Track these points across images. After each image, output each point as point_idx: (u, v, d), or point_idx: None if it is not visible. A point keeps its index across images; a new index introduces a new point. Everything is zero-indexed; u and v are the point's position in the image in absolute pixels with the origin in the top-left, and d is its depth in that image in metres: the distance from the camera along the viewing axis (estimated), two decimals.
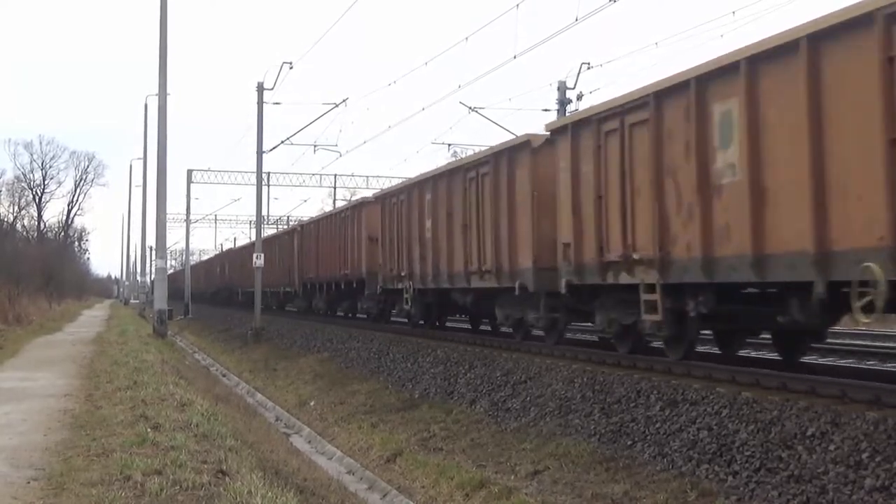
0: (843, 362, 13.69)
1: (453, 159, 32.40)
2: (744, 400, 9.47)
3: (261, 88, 33.84)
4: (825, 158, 8.70)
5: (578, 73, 29.37)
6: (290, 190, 75.61)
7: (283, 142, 36.89)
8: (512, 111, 73.54)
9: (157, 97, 27.93)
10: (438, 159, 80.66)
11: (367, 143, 65.86)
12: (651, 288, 11.54)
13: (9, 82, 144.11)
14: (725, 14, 63.08)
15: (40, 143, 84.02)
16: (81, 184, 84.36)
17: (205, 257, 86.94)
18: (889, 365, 12.59)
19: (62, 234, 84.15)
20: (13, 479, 7.34)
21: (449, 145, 40.81)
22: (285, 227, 54.03)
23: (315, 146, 38.00)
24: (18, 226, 69.47)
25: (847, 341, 17.83)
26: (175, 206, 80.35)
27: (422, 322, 21.90)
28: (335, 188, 60.72)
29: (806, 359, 12.72)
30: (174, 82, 66.35)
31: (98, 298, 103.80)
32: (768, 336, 12.79)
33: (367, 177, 58.09)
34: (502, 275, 15.97)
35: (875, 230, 8.13)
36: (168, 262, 31.66)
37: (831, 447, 7.97)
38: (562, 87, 29.81)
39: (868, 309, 8.30)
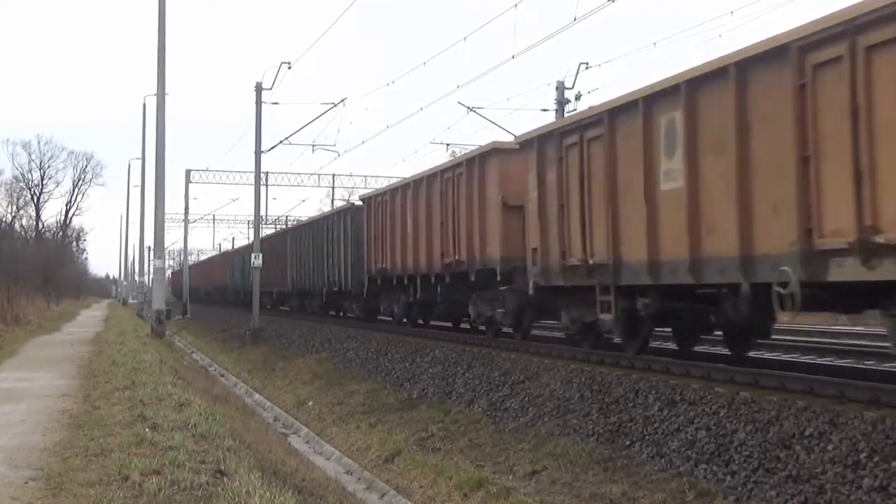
0: (841, 362, 13.68)
1: (452, 159, 32.45)
2: (742, 400, 9.47)
3: (259, 88, 33.78)
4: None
5: (577, 73, 29.40)
6: (288, 190, 75.35)
7: (281, 142, 36.85)
8: (510, 111, 73.50)
9: (155, 97, 27.94)
10: (437, 159, 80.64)
11: (366, 142, 66.15)
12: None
13: (7, 82, 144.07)
14: (724, 14, 63.22)
15: (38, 142, 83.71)
16: (80, 184, 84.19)
17: (203, 257, 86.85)
18: (887, 365, 12.59)
19: (60, 234, 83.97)
20: (11, 479, 7.33)
21: (447, 145, 40.74)
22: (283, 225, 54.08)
23: (313, 146, 37.87)
24: (17, 226, 69.33)
25: (845, 341, 17.85)
26: (173, 205, 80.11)
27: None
28: (333, 188, 60.74)
29: (804, 358, 12.75)
30: (173, 82, 66.20)
31: (96, 298, 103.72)
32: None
33: (366, 177, 58.01)
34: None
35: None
36: (167, 262, 31.63)
37: (829, 447, 7.98)
38: (560, 87, 29.81)
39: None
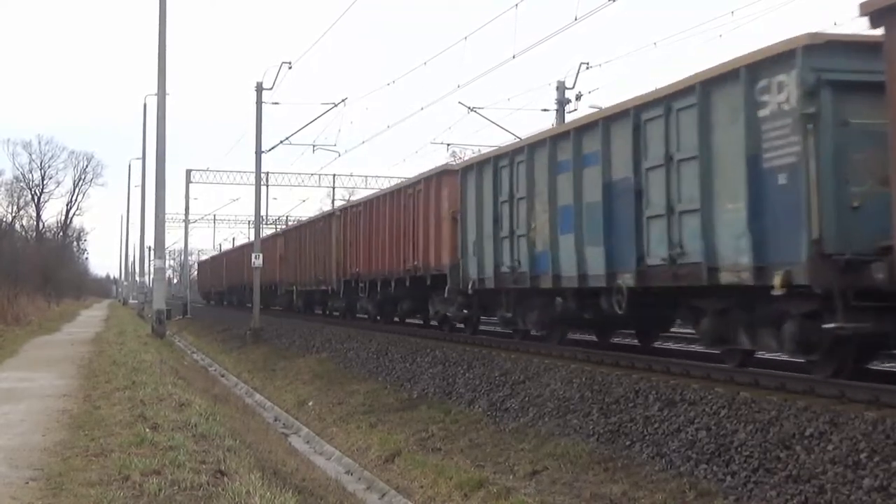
0: None
1: (452, 160, 32.54)
2: (742, 400, 9.47)
3: (260, 88, 33.76)
4: None
5: (577, 73, 29.35)
6: (288, 190, 75.45)
7: (281, 142, 36.81)
8: (511, 111, 73.29)
9: (156, 97, 27.94)
10: (437, 159, 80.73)
11: (366, 143, 65.94)
12: None
13: (7, 82, 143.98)
14: (724, 14, 63.21)
15: (39, 142, 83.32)
16: (80, 184, 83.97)
17: (203, 257, 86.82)
18: (887, 365, 12.58)
19: (61, 234, 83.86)
20: (12, 479, 7.34)
21: (448, 145, 40.82)
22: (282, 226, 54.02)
23: (314, 146, 37.78)
24: (17, 226, 69.15)
25: None
26: (174, 205, 79.94)
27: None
28: (334, 188, 60.69)
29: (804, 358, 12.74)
30: (173, 82, 66.04)
31: (97, 298, 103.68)
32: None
33: (366, 177, 57.96)
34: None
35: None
36: (167, 262, 31.71)
37: (830, 447, 7.98)
38: (561, 87, 29.78)
39: None
